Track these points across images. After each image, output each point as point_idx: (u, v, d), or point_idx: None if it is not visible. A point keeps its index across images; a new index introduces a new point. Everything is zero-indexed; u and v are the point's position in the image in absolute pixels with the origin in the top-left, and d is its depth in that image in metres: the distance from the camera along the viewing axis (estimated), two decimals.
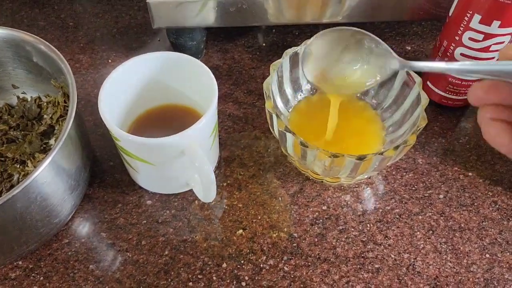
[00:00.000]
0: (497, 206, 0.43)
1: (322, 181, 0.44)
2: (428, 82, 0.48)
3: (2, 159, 0.43)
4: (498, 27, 0.39)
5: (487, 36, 0.40)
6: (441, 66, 0.31)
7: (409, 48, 0.55)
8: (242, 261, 0.39)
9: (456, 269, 0.39)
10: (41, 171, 0.33)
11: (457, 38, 0.42)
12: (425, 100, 0.40)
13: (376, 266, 0.39)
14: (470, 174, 0.45)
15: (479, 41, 0.41)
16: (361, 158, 0.36)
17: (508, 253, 0.40)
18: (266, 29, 0.56)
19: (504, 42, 0.41)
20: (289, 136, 0.38)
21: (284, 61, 0.43)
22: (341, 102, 0.41)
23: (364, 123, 0.45)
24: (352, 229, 0.41)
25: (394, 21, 0.56)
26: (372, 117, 0.45)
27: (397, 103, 0.44)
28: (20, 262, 0.39)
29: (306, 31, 0.56)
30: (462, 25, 0.41)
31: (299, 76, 0.45)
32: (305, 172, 0.44)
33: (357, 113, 0.46)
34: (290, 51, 0.43)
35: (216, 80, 0.39)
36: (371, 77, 0.38)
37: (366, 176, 0.43)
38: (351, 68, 0.39)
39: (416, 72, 0.41)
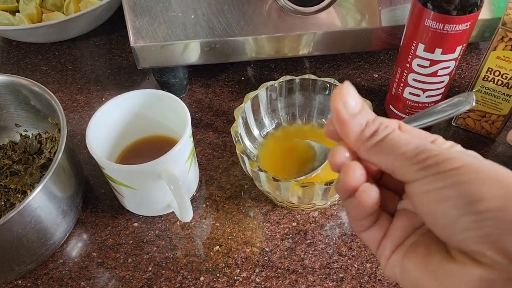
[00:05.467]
0: None
1: (298, 209, 0.47)
2: (390, 105, 0.52)
3: (6, 190, 0.48)
4: (441, 54, 0.44)
5: (433, 63, 0.45)
6: None
7: (376, 76, 0.60)
8: (218, 274, 0.43)
9: None
10: (34, 197, 0.38)
11: (408, 65, 0.47)
12: None
13: (341, 275, 0.43)
14: None
15: (426, 67, 0.46)
16: (329, 183, 0.39)
17: None
18: (245, 64, 0.62)
19: (449, 67, 0.45)
20: (261, 174, 0.41)
21: (246, 105, 0.46)
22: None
23: None
24: (319, 243, 0.45)
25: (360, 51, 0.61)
26: None
27: None
28: (20, 281, 0.44)
29: (281, 64, 0.61)
30: (410, 53, 0.46)
31: (262, 116, 0.49)
32: (281, 203, 0.47)
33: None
34: (250, 95, 0.46)
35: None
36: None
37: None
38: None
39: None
